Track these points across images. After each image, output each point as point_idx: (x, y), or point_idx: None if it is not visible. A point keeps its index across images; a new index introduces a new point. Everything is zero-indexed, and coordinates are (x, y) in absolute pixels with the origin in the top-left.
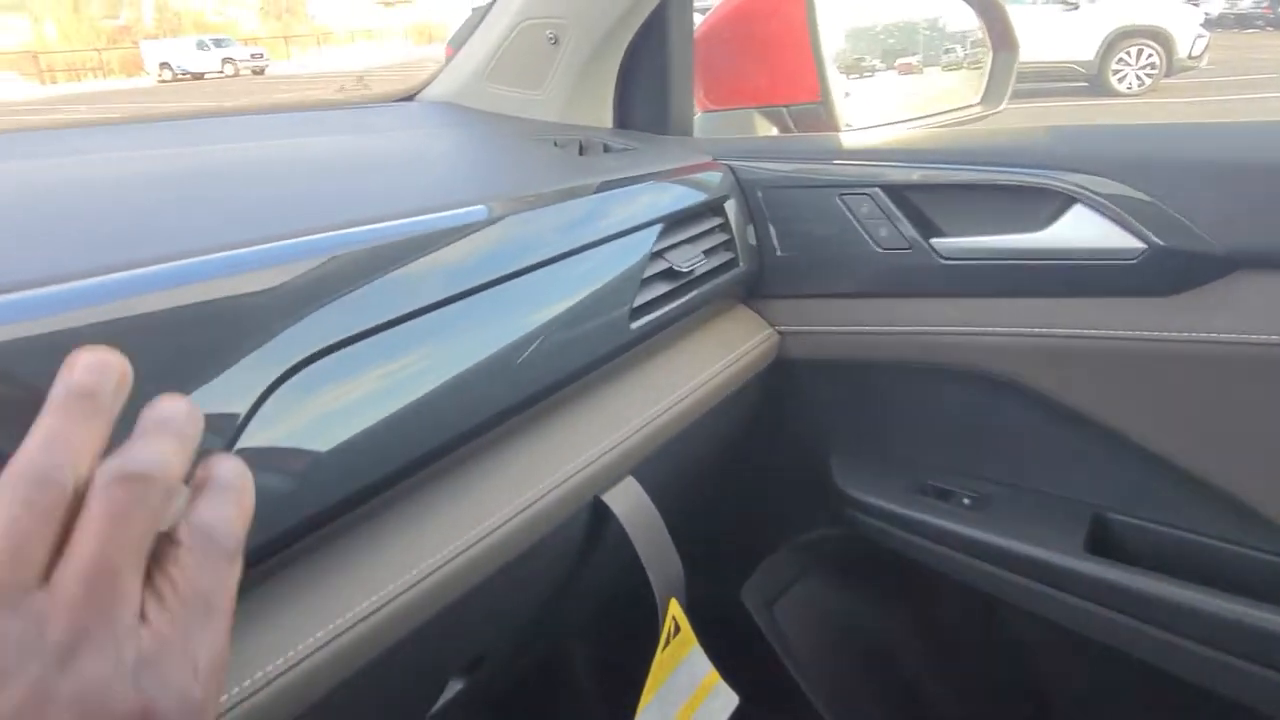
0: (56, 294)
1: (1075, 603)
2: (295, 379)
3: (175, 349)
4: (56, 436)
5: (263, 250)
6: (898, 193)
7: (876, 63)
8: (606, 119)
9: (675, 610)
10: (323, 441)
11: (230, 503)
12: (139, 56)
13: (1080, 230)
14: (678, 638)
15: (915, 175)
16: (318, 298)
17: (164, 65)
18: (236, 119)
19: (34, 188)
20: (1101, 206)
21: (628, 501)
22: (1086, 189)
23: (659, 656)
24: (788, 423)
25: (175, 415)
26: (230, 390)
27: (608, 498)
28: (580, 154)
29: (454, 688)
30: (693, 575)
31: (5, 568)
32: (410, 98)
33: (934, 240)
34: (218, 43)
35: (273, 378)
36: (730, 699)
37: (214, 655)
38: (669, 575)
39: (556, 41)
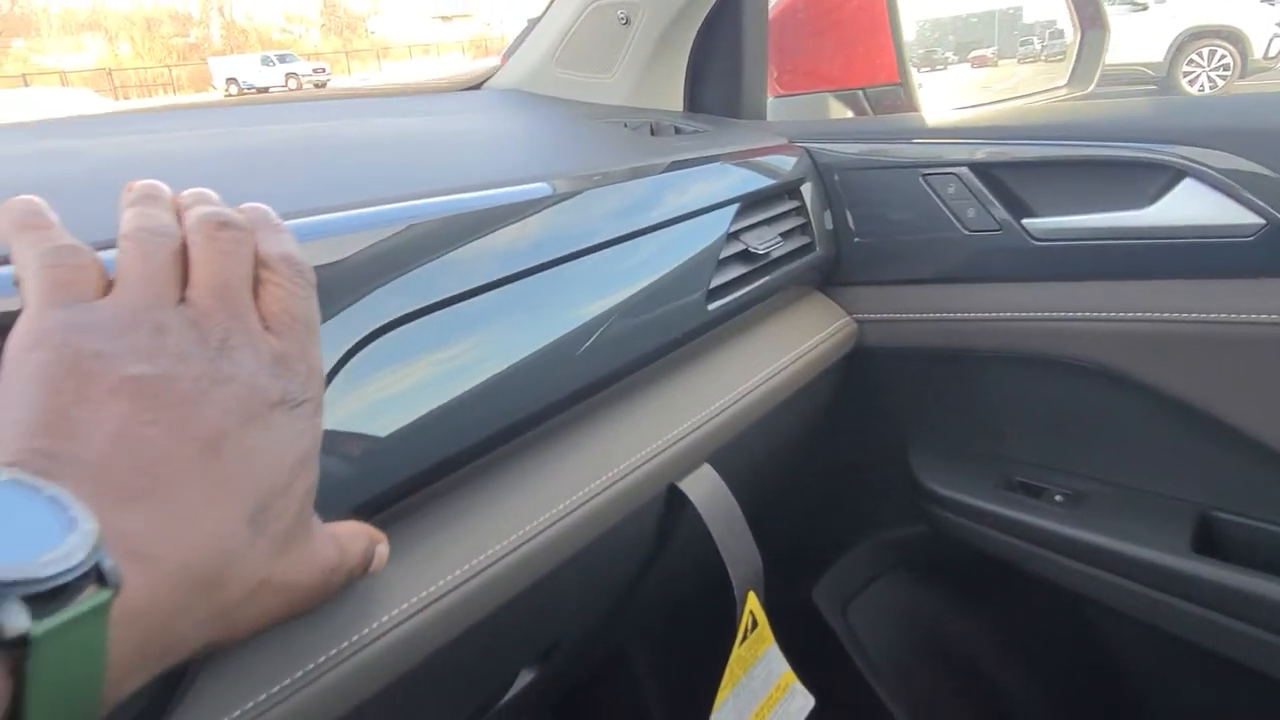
0: None
1: (1181, 606)
2: (366, 351)
3: None
4: (146, 210)
5: (344, 217)
6: (986, 171)
7: (949, 55)
8: (677, 102)
9: (753, 604)
10: (393, 417)
11: (294, 244)
12: (207, 72)
13: (1189, 207)
14: (755, 633)
15: (1005, 153)
16: (397, 267)
17: (230, 80)
18: (314, 104)
19: (135, 159)
20: (1215, 180)
21: (704, 489)
22: (1197, 162)
23: (736, 651)
24: (864, 414)
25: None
26: None
27: (684, 485)
28: (652, 135)
29: (525, 678)
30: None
31: (154, 284)
32: (477, 86)
33: (1026, 221)
34: (281, 58)
35: (347, 347)
36: (807, 700)
37: (314, 363)
38: (748, 567)
39: (628, 22)
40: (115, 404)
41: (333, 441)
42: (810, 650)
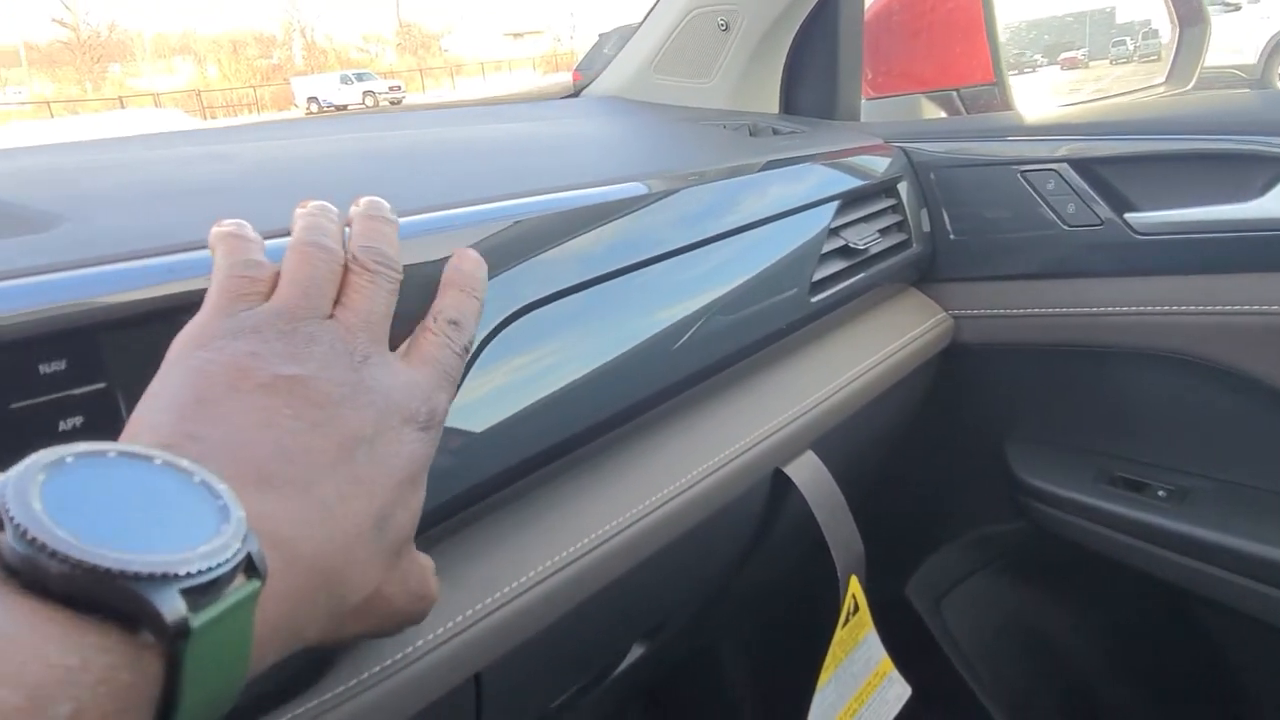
0: None
1: None
2: (490, 341)
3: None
4: (315, 225)
5: (462, 213)
6: (1086, 167)
7: (1038, 57)
8: (773, 105)
9: (855, 588)
10: (511, 403)
11: (471, 321)
12: (289, 92)
13: None
14: (856, 617)
15: (1105, 148)
16: (511, 261)
17: (311, 99)
18: (418, 114)
19: (287, 160)
20: None
21: (808, 475)
22: None
23: (838, 634)
24: (959, 410)
25: (381, 211)
26: None
27: (789, 469)
28: (751, 136)
29: (636, 652)
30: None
31: (312, 296)
32: (575, 95)
33: (1128, 215)
34: (359, 77)
35: (482, 335)
36: (904, 689)
37: (444, 406)
38: (850, 551)
39: (727, 28)
40: (263, 397)
41: (462, 422)
42: (904, 645)
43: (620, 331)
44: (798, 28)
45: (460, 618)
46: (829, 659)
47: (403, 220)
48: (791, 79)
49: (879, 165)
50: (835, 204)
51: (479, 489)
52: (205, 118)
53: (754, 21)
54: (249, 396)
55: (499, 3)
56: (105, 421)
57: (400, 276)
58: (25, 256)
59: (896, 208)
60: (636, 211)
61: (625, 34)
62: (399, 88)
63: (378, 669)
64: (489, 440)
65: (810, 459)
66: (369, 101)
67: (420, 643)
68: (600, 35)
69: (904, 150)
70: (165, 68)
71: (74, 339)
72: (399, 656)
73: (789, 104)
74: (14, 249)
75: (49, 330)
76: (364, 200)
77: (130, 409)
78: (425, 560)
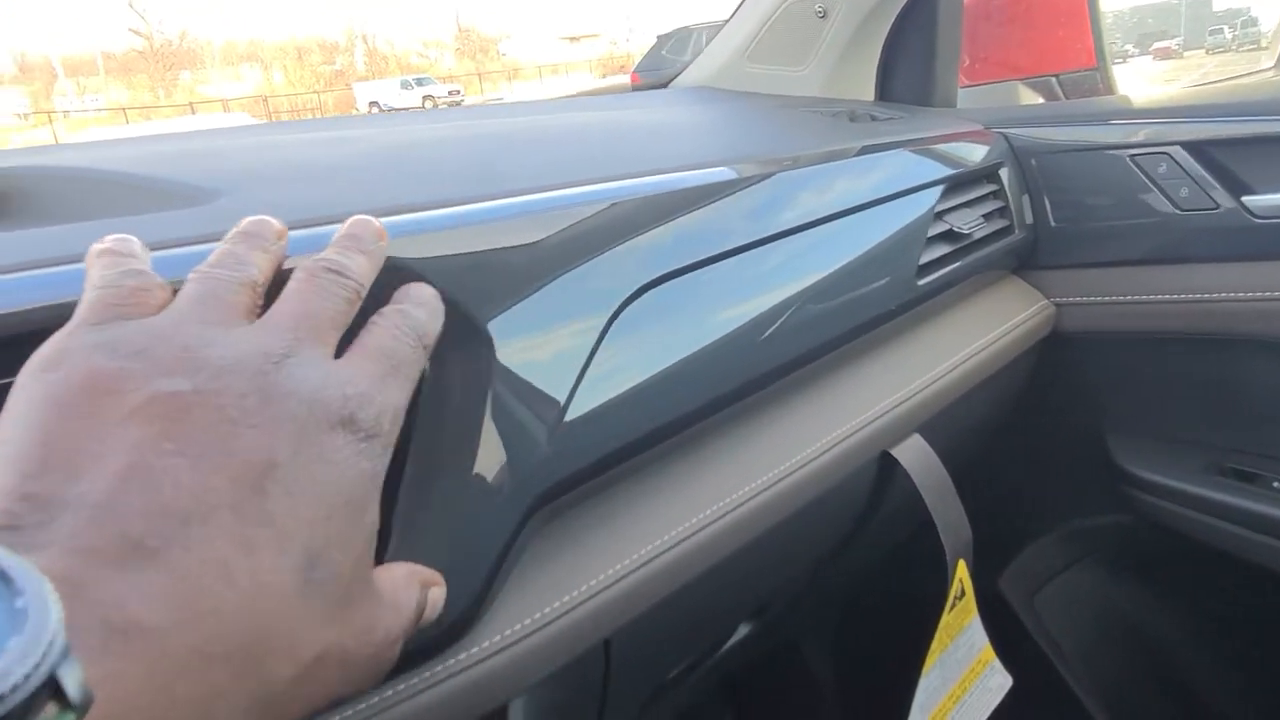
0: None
1: None
2: (615, 320)
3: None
4: (231, 248)
5: (570, 194)
6: (1201, 150)
7: (1129, 47)
8: (868, 93)
9: (963, 572)
10: (628, 379)
11: (428, 311)
12: (351, 97)
13: None
14: (961, 603)
15: (1221, 130)
16: (626, 240)
17: (373, 104)
18: (510, 105)
19: (386, 147)
20: None
21: (916, 457)
22: None
23: (945, 619)
24: (1060, 399)
25: (364, 233)
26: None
27: (896, 452)
28: (850, 122)
29: (741, 631)
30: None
31: (204, 302)
32: (662, 87)
33: (1246, 199)
34: (419, 81)
35: (607, 315)
36: (1005, 679)
37: (396, 404)
38: (958, 535)
39: (825, 15)
40: (133, 429)
41: (592, 396)
42: (998, 638)
43: (734, 312)
44: (897, 13)
45: (594, 581)
46: (935, 644)
47: (514, 200)
48: (887, 65)
49: (981, 151)
50: (940, 188)
51: (606, 460)
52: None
53: (853, 8)
54: (115, 430)
55: (555, 6)
56: None
57: (359, 288)
58: (199, 226)
59: (998, 193)
60: (744, 193)
61: (684, 36)
62: (458, 91)
63: (510, 631)
64: (613, 414)
65: (917, 442)
66: (428, 106)
67: (556, 603)
68: (659, 37)
69: (1005, 136)
70: (233, 74)
71: None
72: (535, 617)
73: (884, 91)
74: (186, 220)
75: None
76: (348, 221)
77: None
78: (392, 580)
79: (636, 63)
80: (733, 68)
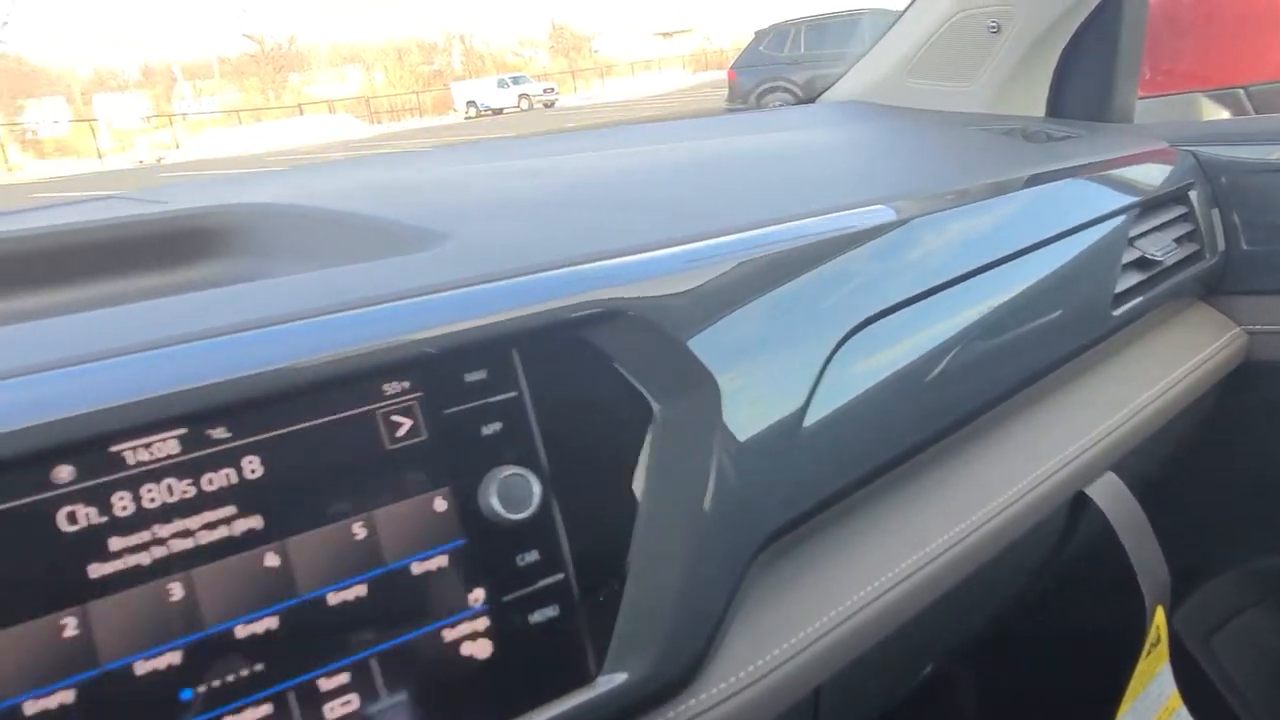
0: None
1: None
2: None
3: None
4: None
5: (770, 232)
6: None
7: None
8: (1038, 108)
9: (1160, 620)
10: (842, 421)
11: None
12: (449, 97)
13: None
14: (1156, 650)
15: None
16: (840, 279)
17: (470, 103)
18: (663, 124)
19: (583, 176)
20: None
21: (1111, 497)
22: None
23: (1141, 665)
24: (1248, 432)
25: None
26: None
27: (1090, 491)
28: (1025, 141)
29: (924, 671)
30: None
31: None
32: (811, 100)
33: None
34: (515, 80)
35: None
36: None
37: None
38: (1155, 577)
39: (998, 30)
40: None
41: (803, 441)
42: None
43: (935, 350)
44: (1077, 26)
45: (805, 632)
46: (1129, 690)
47: (726, 239)
48: (1061, 79)
49: (1169, 170)
50: (1133, 213)
51: (825, 502)
52: (372, 122)
53: (1029, 22)
54: None
55: (648, 3)
56: (520, 428)
57: None
58: (429, 274)
59: (1188, 216)
60: (940, 227)
61: (782, 31)
62: (553, 89)
63: (735, 679)
64: (831, 456)
65: (1111, 480)
66: (524, 104)
67: (776, 651)
68: (757, 32)
69: (1194, 154)
70: (338, 75)
71: (491, 350)
72: (758, 664)
73: (1056, 105)
74: (424, 265)
75: (473, 341)
76: None
77: (539, 417)
78: None
79: (730, 58)
80: (891, 82)
